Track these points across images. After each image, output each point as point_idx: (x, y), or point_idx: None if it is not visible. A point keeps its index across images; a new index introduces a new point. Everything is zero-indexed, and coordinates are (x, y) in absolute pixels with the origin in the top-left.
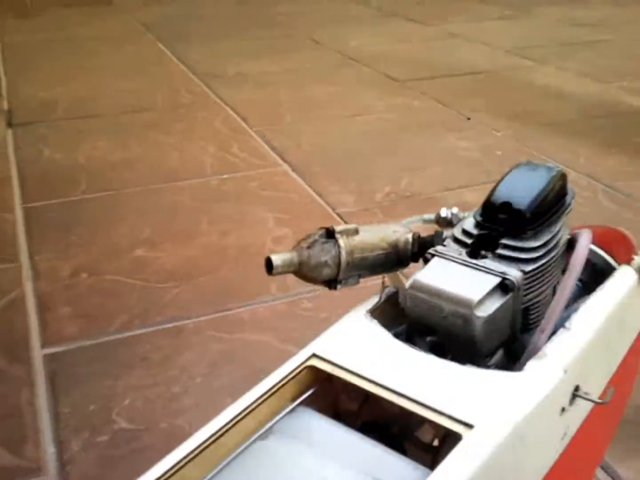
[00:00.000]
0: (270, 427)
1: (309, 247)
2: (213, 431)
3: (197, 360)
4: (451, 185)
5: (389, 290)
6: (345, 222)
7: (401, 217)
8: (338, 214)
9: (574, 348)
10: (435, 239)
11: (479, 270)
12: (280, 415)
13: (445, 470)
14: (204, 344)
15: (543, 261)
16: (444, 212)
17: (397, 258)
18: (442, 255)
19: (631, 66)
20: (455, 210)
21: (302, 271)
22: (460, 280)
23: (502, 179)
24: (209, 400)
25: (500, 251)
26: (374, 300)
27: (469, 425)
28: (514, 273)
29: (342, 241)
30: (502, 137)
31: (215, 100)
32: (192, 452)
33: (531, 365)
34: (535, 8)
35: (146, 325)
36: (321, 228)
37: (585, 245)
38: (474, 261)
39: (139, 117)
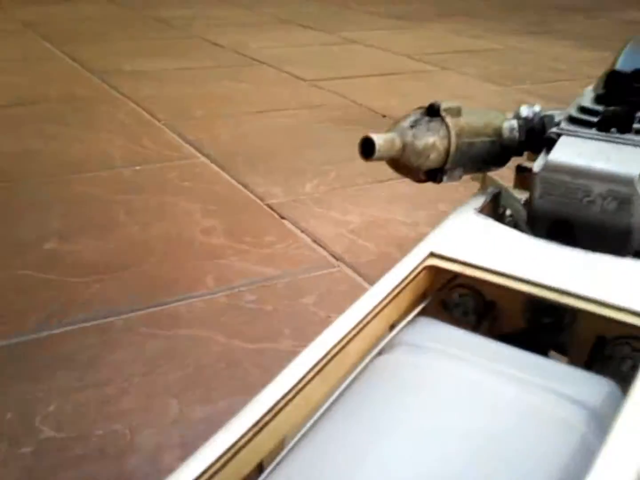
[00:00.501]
0: (392, 340)
1: (412, 127)
2: (328, 347)
3: (132, 358)
4: (380, 177)
5: (493, 190)
6: (279, 214)
7: (335, 208)
8: (268, 205)
9: None
10: (546, 123)
11: (625, 144)
12: (401, 325)
13: None
14: (138, 342)
15: None
16: (525, 112)
17: (502, 148)
18: (571, 133)
19: (525, 71)
20: (537, 107)
21: (405, 157)
22: (607, 157)
23: (621, 50)
24: (152, 401)
25: (637, 126)
26: (479, 201)
27: None
28: None
29: (449, 120)
30: None
31: (115, 95)
32: (311, 369)
33: None
34: (426, 22)
35: (67, 323)
36: (419, 108)
37: None
38: (615, 136)
39: (31, 108)
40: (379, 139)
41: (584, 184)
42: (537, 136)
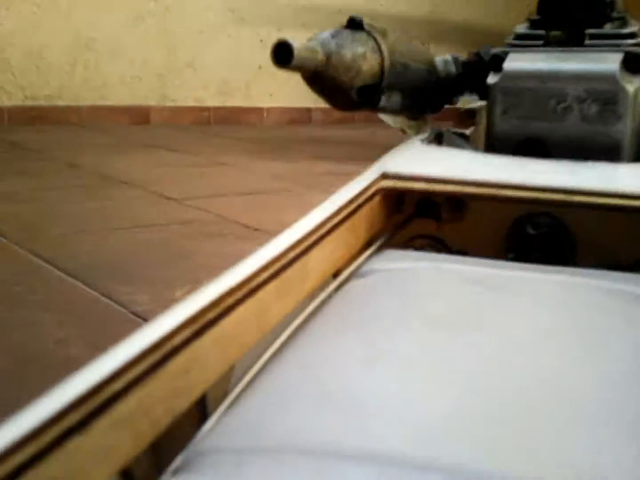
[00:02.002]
0: (360, 268)
1: (335, 36)
2: (283, 249)
3: None
4: None
5: (434, 129)
6: (144, 319)
7: None
8: (133, 312)
9: None
10: (483, 55)
11: (584, 52)
12: (368, 252)
13: None
14: None
15: None
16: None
17: (438, 84)
18: (520, 50)
19: None
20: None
21: (332, 69)
22: (576, 59)
23: None
24: None
25: (590, 42)
26: (422, 138)
27: None
28: (635, 50)
29: (376, 35)
30: None
31: None
32: (265, 269)
33: None
34: (291, 146)
35: None
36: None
37: None
38: (570, 48)
39: None
40: (296, 43)
41: (557, 87)
42: (476, 69)
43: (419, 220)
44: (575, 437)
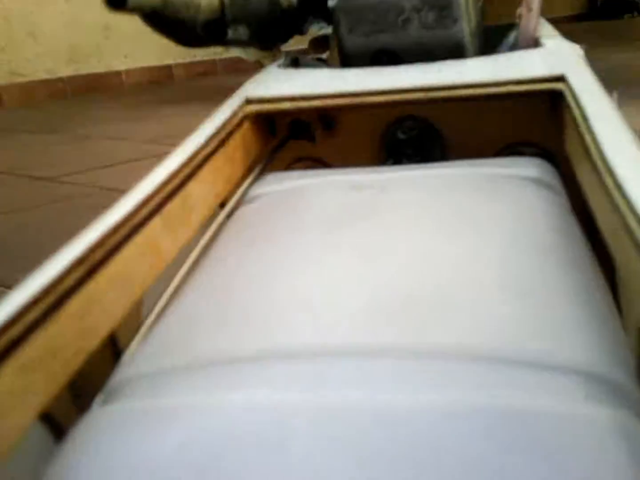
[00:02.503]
0: (244, 195)
1: None
2: (161, 181)
3: None
4: None
5: (290, 55)
6: None
7: None
8: None
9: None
10: None
11: None
12: (250, 179)
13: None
14: None
15: None
16: None
17: (283, 11)
18: None
19: None
20: None
21: (170, 8)
22: None
23: None
24: None
25: None
26: (275, 65)
27: (560, 79)
28: None
29: None
30: None
31: None
32: (146, 202)
33: (548, 42)
34: (157, 108)
35: None
36: None
37: None
38: None
39: None
40: None
41: (393, 2)
42: (311, 5)
43: (295, 143)
44: (481, 307)
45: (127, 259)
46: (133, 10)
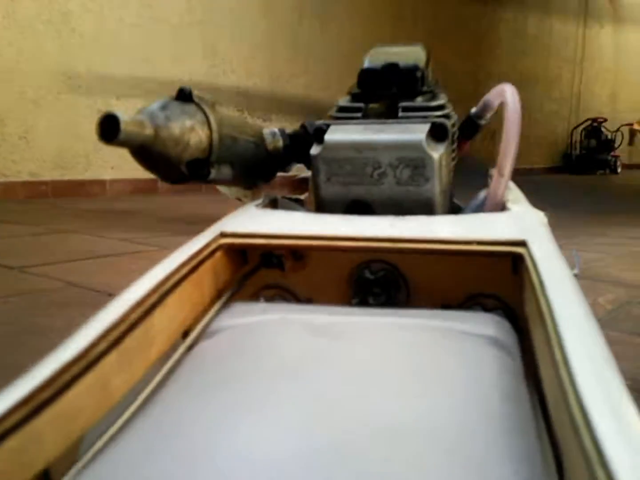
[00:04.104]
0: (207, 326)
1: (163, 109)
2: (124, 312)
3: None
4: None
5: (268, 196)
6: None
7: None
8: None
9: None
10: (308, 128)
11: (397, 124)
12: (214, 309)
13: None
14: None
15: (454, 119)
16: (267, 131)
17: (268, 156)
18: (341, 123)
19: None
20: (275, 129)
21: (160, 143)
22: (388, 130)
23: (365, 55)
24: None
25: (403, 114)
26: (256, 204)
27: (521, 244)
28: (440, 120)
29: (205, 107)
30: None
31: None
32: (103, 337)
33: (514, 207)
34: (136, 213)
35: None
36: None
37: (513, 94)
38: (384, 120)
39: None
40: (124, 116)
41: (372, 156)
42: (302, 141)
43: (264, 271)
44: (421, 464)
45: (74, 398)
46: (124, 143)
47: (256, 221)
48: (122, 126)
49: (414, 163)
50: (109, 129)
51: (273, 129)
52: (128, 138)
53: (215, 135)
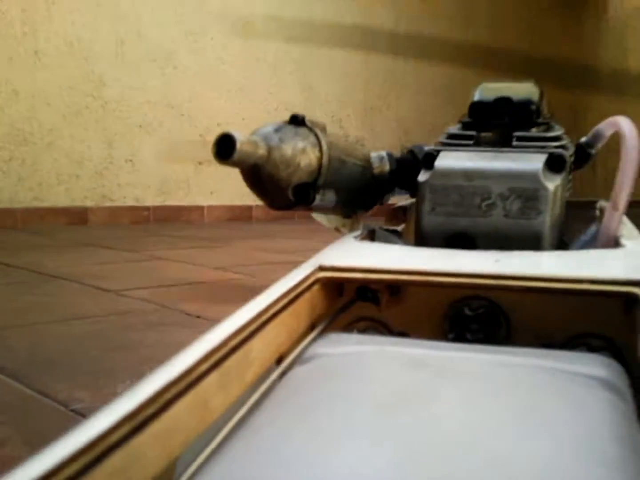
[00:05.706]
0: (302, 354)
1: (277, 131)
2: (225, 337)
3: None
4: None
5: (367, 226)
6: (84, 417)
7: None
8: (73, 410)
9: None
10: (416, 154)
11: (510, 153)
12: (309, 338)
13: None
14: None
15: (571, 150)
16: (375, 155)
17: (373, 180)
18: (451, 149)
19: None
20: (383, 152)
21: (272, 164)
22: (502, 159)
23: (475, 89)
24: None
25: (518, 143)
26: (355, 235)
27: (637, 283)
28: (557, 151)
29: (317, 131)
30: None
31: None
32: (205, 359)
33: (628, 244)
34: (231, 241)
35: None
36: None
37: (630, 125)
38: (497, 149)
39: None
40: (240, 136)
41: (482, 185)
42: (409, 166)
43: (359, 303)
44: None
45: (176, 415)
46: (238, 163)
47: (354, 254)
48: (238, 146)
49: (527, 194)
50: (224, 148)
51: (381, 153)
52: (242, 158)
53: (325, 158)
